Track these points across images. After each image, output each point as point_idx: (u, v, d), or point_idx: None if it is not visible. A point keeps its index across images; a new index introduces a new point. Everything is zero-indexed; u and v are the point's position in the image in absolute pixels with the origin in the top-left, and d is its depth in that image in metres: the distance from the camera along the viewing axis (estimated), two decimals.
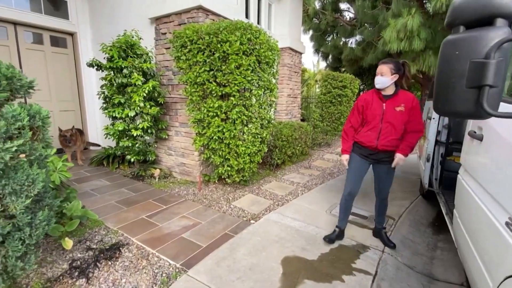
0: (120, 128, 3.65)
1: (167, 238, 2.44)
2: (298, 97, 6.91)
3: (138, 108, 3.55)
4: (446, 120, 2.78)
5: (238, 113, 2.83)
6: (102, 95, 3.91)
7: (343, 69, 10.52)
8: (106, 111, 3.84)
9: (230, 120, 2.92)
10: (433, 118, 2.77)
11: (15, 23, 4.34)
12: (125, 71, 3.52)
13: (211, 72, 2.77)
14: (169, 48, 3.89)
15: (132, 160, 4.00)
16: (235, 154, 3.07)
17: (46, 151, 1.48)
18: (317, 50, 10.45)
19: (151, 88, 3.43)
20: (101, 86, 3.91)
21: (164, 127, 4.05)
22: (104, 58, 3.77)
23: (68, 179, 2.40)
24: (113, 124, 3.87)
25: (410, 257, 2.40)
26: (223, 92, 2.81)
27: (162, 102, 3.78)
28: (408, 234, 2.80)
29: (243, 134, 3.12)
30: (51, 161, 2.35)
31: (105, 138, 4.10)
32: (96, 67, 3.80)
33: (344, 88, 6.53)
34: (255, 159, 3.23)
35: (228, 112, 2.90)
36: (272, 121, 3.30)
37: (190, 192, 3.56)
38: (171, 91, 3.97)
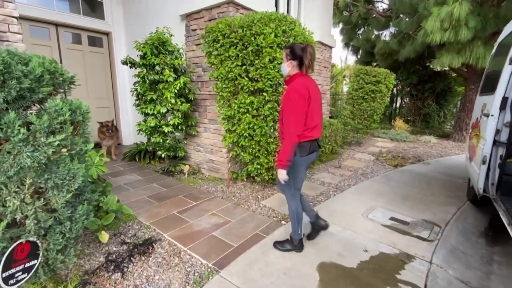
0: (152, 125, 3.71)
1: (198, 235, 2.41)
2: (327, 94, 6.64)
3: (169, 104, 3.58)
4: (507, 117, 2.44)
5: (270, 109, 2.72)
6: (135, 92, 4.01)
7: (375, 64, 9.97)
8: (138, 107, 3.93)
9: (262, 117, 2.82)
10: (492, 115, 2.44)
11: (56, 24, 4.59)
12: (157, 68, 3.56)
13: (243, 67, 2.69)
14: (199, 44, 3.87)
15: (163, 156, 4.07)
16: (265, 152, 2.97)
17: (86, 146, 1.48)
18: (346, 44, 9.98)
19: (182, 85, 3.43)
20: (134, 83, 4.01)
21: (193, 123, 4.06)
22: (137, 55, 3.84)
23: (104, 173, 2.46)
24: (145, 121, 3.95)
25: (463, 271, 2.14)
26: (255, 88, 2.72)
27: (192, 99, 3.78)
28: (457, 244, 2.52)
29: (273, 131, 3.00)
30: (89, 155, 2.42)
31: (138, 134, 4.20)
32: (129, 64, 3.90)
33: (378, 83, 6.13)
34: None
35: (259, 109, 2.80)
36: None
37: (218, 189, 3.52)
38: (200, 87, 3.96)
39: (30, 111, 1.34)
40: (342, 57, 23.62)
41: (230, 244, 2.28)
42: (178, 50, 3.78)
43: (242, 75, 2.74)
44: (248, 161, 3.12)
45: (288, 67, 1.93)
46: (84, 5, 4.97)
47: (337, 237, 2.46)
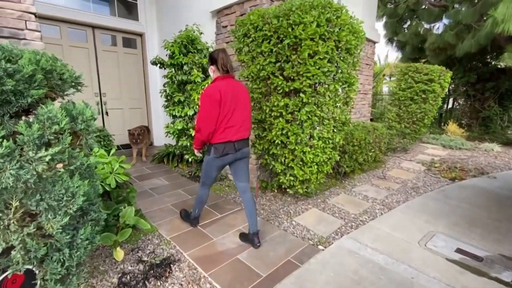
0: (179, 127, 3.53)
1: (222, 257, 2.11)
2: (369, 94, 5.99)
3: (197, 106, 3.35)
4: None
5: (308, 113, 2.31)
6: (164, 93, 3.87)
7: (423, 60, 8.90)
8: (167, 109, 3.78)
9: (297, 122, 2.43)
10: None
11: (93, 27, 4.66)
12: (185, 67, 3.36)
13: (278, 64, 2.32)
14: (229, 42, 3.60)
15: (190, 159, 3.87)
16: (301, 162, 2.57)
17: (89, 160, 1.23)
18: (390, 40, 9.06)
19: None
20: (164, 84, 3.88)
21: None
22: (166, 55, 3.70)
23: (124, 181, 2.28)
24: (173, 123, 3.80)
25: None
26: (291, 88, 2.33)
27: None
28: None
29: (310, 139, 2.59)
30: (109, 162, 2.26)
31: (166, 136, 4.08)
32: (159, 64, 3.77)
33: (431, 82, 5.34)
34: (323, 168, 2.68)
35: (295, 112, 2.41)
36: (348, 122, 2.68)
37: None
38: None
39: (24, 118, 1.12)
40: (381, 54, 22.09)
41: (257, 273, 1.94)
42: (207, 49, 3.55)
43: (276, 74, 2.38)
44: (280, 171, 2.75)
45: (211, 72, 2.14)
46: (120, 6, 5.01)
47: (389, 273, 1.98)
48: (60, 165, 1.11)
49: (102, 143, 2.67)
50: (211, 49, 3.65)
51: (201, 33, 3.62)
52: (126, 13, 5.15)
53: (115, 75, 5.10)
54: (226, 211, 2.90)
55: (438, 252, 2.28)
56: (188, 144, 3.68)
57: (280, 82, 2.31)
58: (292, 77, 2.32)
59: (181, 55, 3.32)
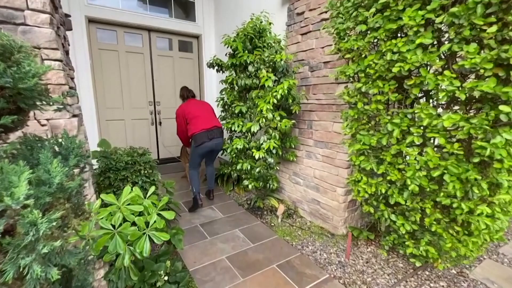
0: (238, 146, 2.72)
1: None
2: None
3: (264, 120, 2.48)
4: None
5: (509, 145, 1.17)
6: (221, 102, 3.14)
7: None
8: (224, 122, 3.03)
9: (478, 160, 1.24)
10: None
11: (149, 30, 4.26)
12: (250, 68, 2.54)
13: (442, 48, 1.21)
14: (307, 33, 2.68)
15: (250, 186, 3.04)
16: (458, 228, 1.41)
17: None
18: None
19: (286, 91, 2.27)
20: (221, 91, 3.15)
21: (292, 145, 2.88)
22: (226, 54, 2.96)
23: (163, 241, 1.49)
24: (231, 139, 3.04)
25: None
26: (469, 94, 1.19)
27: (297, 112, 2.59)
28: None
29: (492, 191, 1.38)
30: (144, 209, 1.51)
31: (221, 154, 3.34)
32: (216, 67, 3.05)
33: None
34: (495, 237, 1.49)
35: (474, 141, 1.24)
36: None
37: (332, 258, 2.19)
38: (306, 94, 2.74)
39: None
40: None
41: None
42: (279, 43, 2.68)
43: (435, 67, 1.28)
44: (404, 233, 1.65)
45: (180, 101, 3.23)
46: (177, 8, 4.55)
47: None
48: None
49: (142, 172, 1.97)
50: (283, 43, 2.77)
51: (271, 23, 2.77)
52: (183, 14, 4.67)
53: (169, 82, 4.65)
54: (307, 280, 1.93)
55: None
56: (249, 167, 2.84)
57: (445, 81, 1.19)
58: (477, 72, 1.18)
59: (246, 52, 2.51)
